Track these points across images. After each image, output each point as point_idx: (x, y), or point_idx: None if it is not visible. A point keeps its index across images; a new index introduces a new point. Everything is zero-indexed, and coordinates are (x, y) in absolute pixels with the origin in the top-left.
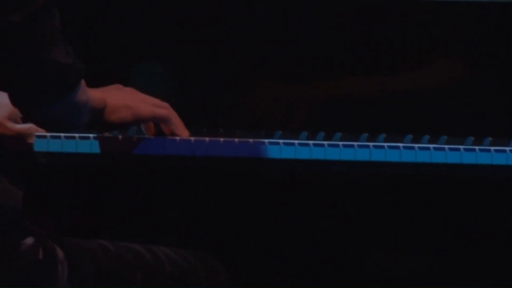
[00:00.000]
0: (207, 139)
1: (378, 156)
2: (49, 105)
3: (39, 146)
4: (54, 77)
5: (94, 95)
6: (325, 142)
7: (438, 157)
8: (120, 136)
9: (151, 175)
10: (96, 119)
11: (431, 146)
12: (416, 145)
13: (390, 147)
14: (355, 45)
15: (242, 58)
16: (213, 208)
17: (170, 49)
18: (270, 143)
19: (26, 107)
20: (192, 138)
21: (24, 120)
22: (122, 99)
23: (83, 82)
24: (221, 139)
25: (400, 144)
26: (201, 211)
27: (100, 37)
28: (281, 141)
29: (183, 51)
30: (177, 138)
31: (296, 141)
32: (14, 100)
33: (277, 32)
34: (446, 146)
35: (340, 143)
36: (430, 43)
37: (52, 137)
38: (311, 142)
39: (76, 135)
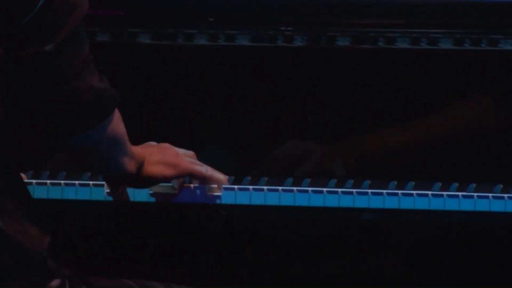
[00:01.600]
0: (236, 187)
1: (406, 204)
2: (87, 130)
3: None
4: (90, 101)
5: (134, 148)
6: (354, 190)
7: (467, 205)
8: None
9: (176, 220)
10: (136, 174)
11: (460, 193)
12: (445, 193)
13: (418, 194)
14: (384, 95)
15: (271, 108)
16: (239, 253)
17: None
18: (299, 190)
19: (61, 135)
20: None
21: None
22: (159, 155)
23: (118, 113)
24: (250, 187)
25: (429, 192)
26: (225, 254)
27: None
28: (309, 189)
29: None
30: (206, 187)
31: (324, 189)
32: (48, 131)
33: (309, 82)
34: (475, 194)
35: (369, 190)
36: (458, 91)
37: (80, 185)
38: (339, 189)
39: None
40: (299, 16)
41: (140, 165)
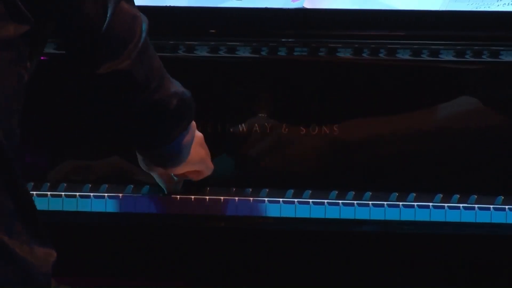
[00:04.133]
0: (236, 198)
1: (407, 215)
2: (182, 132)
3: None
4: (178, 105)
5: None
6: (355, 202)
7: (468, 217)
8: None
9: (176, 232)
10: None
11: (461, 205)
12: (446, 205)
13: (420, 206)
14: (385, 107)
15: (272, 118)
16: (240, 264)
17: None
18: (300, 202)
19: (158, 145)
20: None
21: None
22: (198, 148)
23: None
24: (251, 199)
25: (430, 204)
26: (225, 265)
27: None
28: (310, 200)
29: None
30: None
31: (325, 201)
32: (145, 144)
33: (310, 93)
34: (476, 205)
35: (370, 202)
36: (459, 103)
37: (81, 197)
38: (340, 201)
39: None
40: (300, 28)
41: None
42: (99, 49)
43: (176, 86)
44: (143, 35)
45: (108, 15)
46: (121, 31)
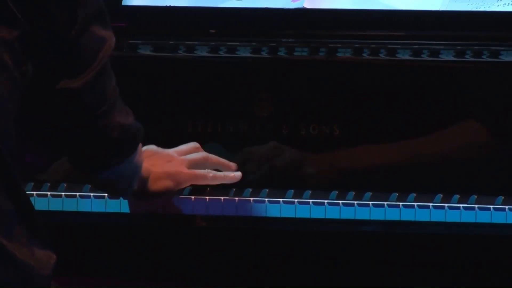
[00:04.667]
0: (236, 199)
1: (407, 215)
2: (116, 166)
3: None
4: (119, 138)
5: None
6: (355, 202)
7: (468, 217)
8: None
9: (175, 232)
10: (141, 189)
11: (461, 205)
12: (446, 205)
13: (420, 206)
14: (385, 107)
15: (272, 119)
16: (239, 265)
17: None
18: (300, 202)
19: (91, 170)
20: (222, 198)
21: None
22: (162, 166)
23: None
24: (251, 199)
25: (430, 204)
26: (225, 266)
27: None
28: (310, 200)
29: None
30: (207, 198)
31: (325, 201)
32: (79, 165)
33: (310, 94)
34: (476, 206)
35: (370, 202)
36: (459, 103)
37: (81, 197)
38: (340, 201)
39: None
40: (300, 28)
41: (146, 180)
42: (58, 66)
43: (124, 116)
44: (104, 59)
45: (73, 35)
46: (84, 54)
